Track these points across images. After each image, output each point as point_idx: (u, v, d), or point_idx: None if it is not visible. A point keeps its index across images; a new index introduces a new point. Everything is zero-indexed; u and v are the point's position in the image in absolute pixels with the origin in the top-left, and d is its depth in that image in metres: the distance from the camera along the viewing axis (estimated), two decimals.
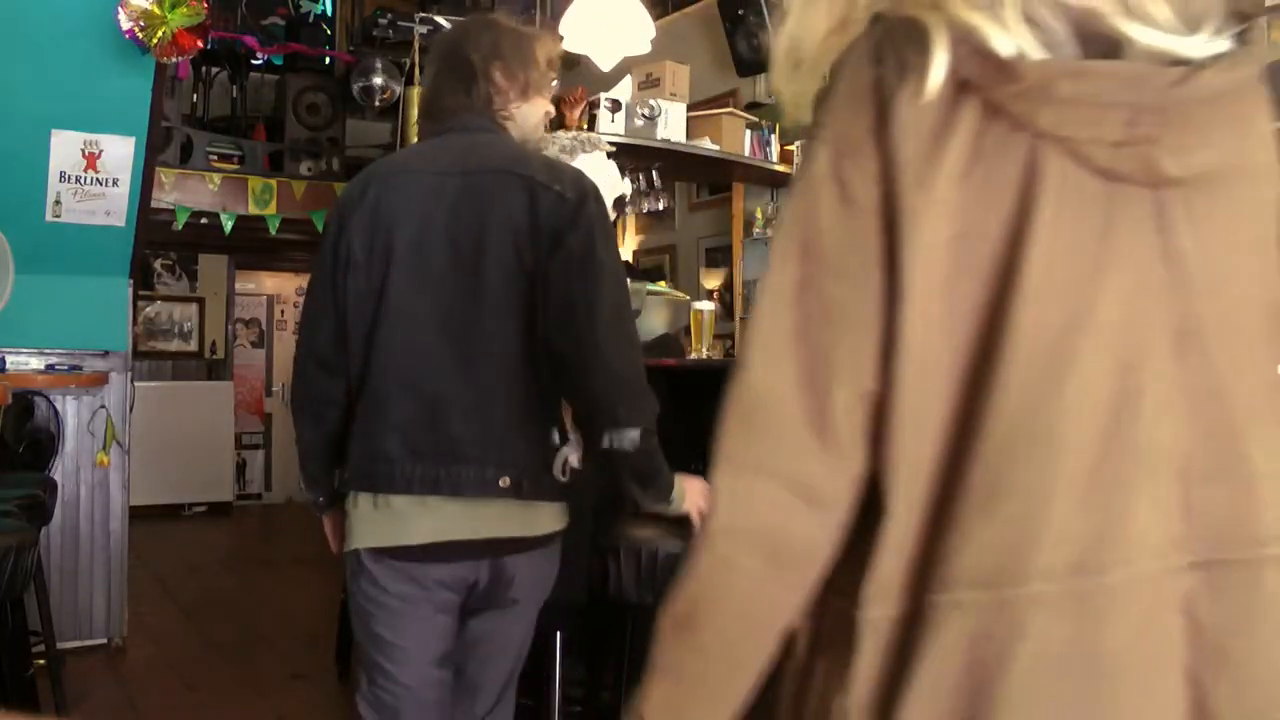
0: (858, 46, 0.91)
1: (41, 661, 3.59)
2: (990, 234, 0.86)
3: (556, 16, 4.57)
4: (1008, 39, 0.85)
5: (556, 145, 3.04)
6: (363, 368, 1.95)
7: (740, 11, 5.71)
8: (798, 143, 5.18)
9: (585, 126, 4.37)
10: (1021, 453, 0.85)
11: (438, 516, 1.91)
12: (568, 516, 2.04)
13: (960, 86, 0.86)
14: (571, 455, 1.96)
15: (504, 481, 1.89)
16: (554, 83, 2.12)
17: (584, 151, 3.05)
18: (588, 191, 1.95)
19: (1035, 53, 0.85)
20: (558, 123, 4.36)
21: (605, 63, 4.42)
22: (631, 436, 1.83)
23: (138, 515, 5.37)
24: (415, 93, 5.29)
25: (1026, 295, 0.85)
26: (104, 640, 4.63)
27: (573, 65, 5.93)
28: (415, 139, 5.28)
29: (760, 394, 0.91)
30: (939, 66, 0.85)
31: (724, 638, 0.96)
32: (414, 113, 5.29)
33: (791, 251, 0.91)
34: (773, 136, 5.17)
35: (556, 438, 1.96)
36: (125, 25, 3.86)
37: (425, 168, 1.97)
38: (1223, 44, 0.87)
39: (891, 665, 0.88)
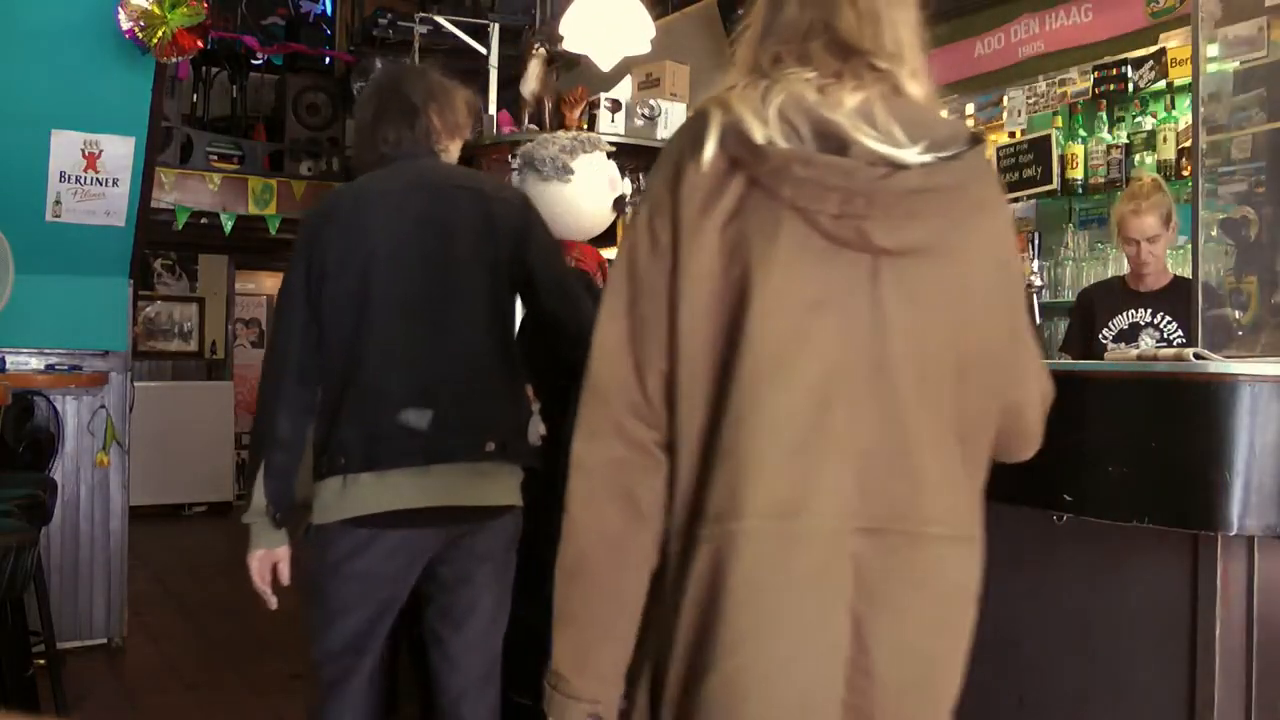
0: (678, 129, 1.30)
1: (41, 661, 3.59)
2: (739, 270, 1.20)
3: (556, 16, 4.57)
4: (762, 130, 1.19)
5: (556, 145, 3.03)
6: (348, 365, 2.14)
7: (740, 11, 5.69)
8: None
9: (585, 126, 4.37)
10: (747, 426, 1.19)
11: (424, 485, 2.11)
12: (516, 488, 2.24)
13: (732, 162, 1.21)
14: (541, 425, 2.24)
15: (490, 446, 2.13)
16: (469, 131, 2.45)
17: (584, 151, 3.05)
18: (526, 198, 2.41)
19: (783, 142, 1.18)
20: (558, 123, 4.37)
21: (605, 63, 4.42)
22: None
23: (138, 515, 5.37)
24: None
25: (757, 315, 1.18)
26: (104, 640, 4.63)
27: (573, 65, 5.93)
28: None
29: (603, 379, 1.25)
30: (711, 145, 1.21)
31: (606, 577, 1.26)
32: None
33: (622, 279, 1.26)
34: None
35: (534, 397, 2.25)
36: (125, 25, 3.86)
37: (390, 189, 2.23)
38: (928, 157, 1.18)
39: (678, 579, 1.23)
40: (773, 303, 1.18)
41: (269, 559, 2.16)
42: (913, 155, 1.18)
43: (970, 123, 4.50)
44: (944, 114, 1.41)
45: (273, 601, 2.19)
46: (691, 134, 1.24)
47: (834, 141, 1.19)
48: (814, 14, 1.28)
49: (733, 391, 1.20)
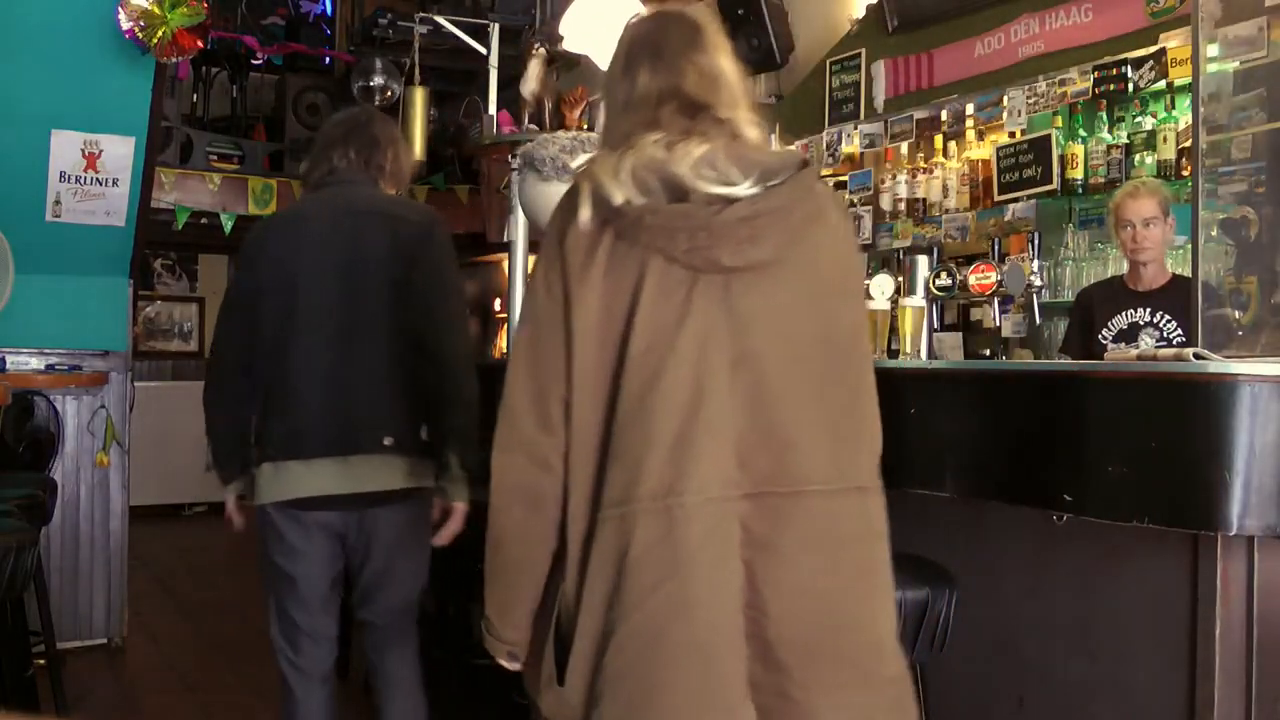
0: (560, 201, 1.63)
1: (41, 661, 3.59)
2: (620, 305, 1.53)
3: (556, 16, 4.57)
4: (620, 192, 1.52)
5: (556, 145, 3.04)
6: (275, 369, 2.53)
7: (740, 11, 5.71)
8: (797, 144, 5.19)
9: (585, 126, 4.37)
10: (633, 426, 1.51)
11: (329, 474, 2.49)
12: (430, 476, 2.56)
13: (602, 221, 1.54)
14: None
15: (388, 440, 2.49)
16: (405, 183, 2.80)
17: (584, 151, 3.05)
18: (434, 222, 2.62)
19: (637, 199, 1.52)
20: (558, 123, 4.37)
21: (605, 63, 4.41)
22: (461, 412, 2.49)
23: (138, 515, 5.36)
24: (416, 93, 5.30)
25: (634, 340, 1.51)
26: (104, 640, 4.63)
27: (573, 65, 5.92)
28: (417, 140, 5.29)
29: (512, 405, 1.60)
30: (584, 210, 1.55)
31: (515, 555, 1.66)
32: (414, 112, 5.30)
33: (526, 322, 1.62)
34: (773, 136, 5.17)
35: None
36: (125, 25, 3.86)
37: (320, 213, 2.61)
38: (756, 189, 1.52)
39: (582, 557, 1.54)
40: (645, 327, 1.51)
41: (230, 502, 2.75)
42: (743, 189, 1.52)
43: (970, 123, 4.50)
44: (776, 147, 1.93)
45: (238, 523, 2.75)
46: (570, 203, 1.59)
47: (679, 190, 1.53)
48: (663, 82, 1.61)
49: (619, 404, 1.53)
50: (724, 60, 1.64)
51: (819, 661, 1.51)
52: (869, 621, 1.56)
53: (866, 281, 3.52)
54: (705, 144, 1.54)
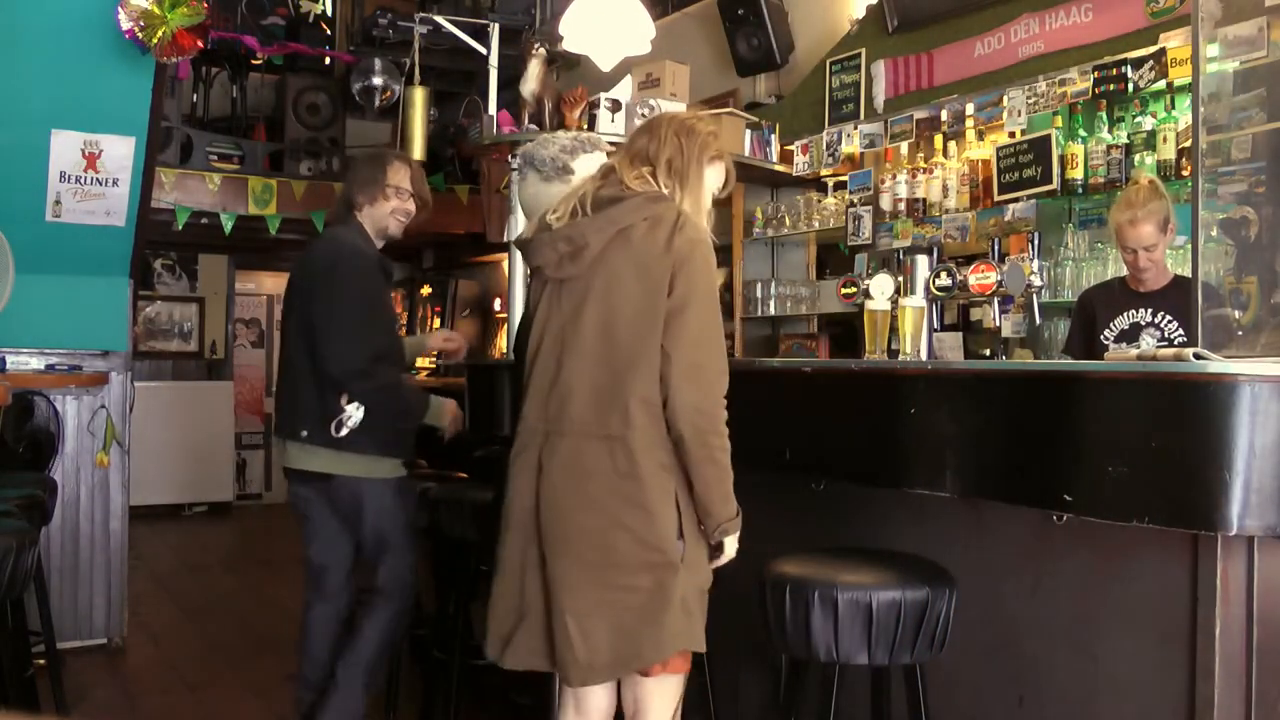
0: None
1: (41, 661, 3.59)
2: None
3: (556, 16, 4.57)
4: (524, 232, 2.44)
5: (556, 145, 3.03)
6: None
7: (740, 11, 5.71)
8: (797, 144, 5.19)
9: (585, 126, 4.37)
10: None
11: (284, 454, 3.27)
12: (355, 465, 3.13)
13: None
14: (350, 420, 3.08)
15: (303, 432, 3.14)
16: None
17: (584, 152, 3.04)
18: (334, 254, 3.22)
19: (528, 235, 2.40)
20: (558, 123, 4.37)
21: (605, 63, 4.42)
22: (354, 406, 3.09)
23: (138, 515, 5.37)
24: (416, 93, 5.29)
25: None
26: (104, 640, 4.64)
27: (573, 65, 5.92)
28: (417, 139, 5.28)
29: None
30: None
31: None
32: (414, 112, 5.29)
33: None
34: (772, 136, 5.17)
35: (343, 406, 3.08)
36: (125, 25, 3.86)
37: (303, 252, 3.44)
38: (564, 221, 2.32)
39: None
40: (523, 317, 2.44)
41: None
42: (557, 221, 2.31)
43: (970, 123, 4.50)
44: (640, 187, 2.28)
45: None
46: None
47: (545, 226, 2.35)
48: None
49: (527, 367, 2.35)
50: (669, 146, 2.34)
51: (564, 555, 2.17)
52: (599, 535, 2.15)
53: (866, 281, 3.53)
54: (590, 186, 2.32)
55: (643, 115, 4.45)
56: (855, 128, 4.93)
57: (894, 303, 3.23)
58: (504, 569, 2.28)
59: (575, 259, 2.23)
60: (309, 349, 3.13)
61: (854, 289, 3.72)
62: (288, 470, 3.26)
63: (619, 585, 2.14)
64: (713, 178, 2.41)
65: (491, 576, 2.33)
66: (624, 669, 2.21)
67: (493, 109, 4.74)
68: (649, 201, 2.25)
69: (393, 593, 3.20)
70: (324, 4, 7.86)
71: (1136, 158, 3.91)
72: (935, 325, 4.03)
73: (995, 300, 3.60)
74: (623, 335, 2.19)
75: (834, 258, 5.57)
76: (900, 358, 3.06)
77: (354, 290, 3.13)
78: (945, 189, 4.57)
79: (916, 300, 3.23)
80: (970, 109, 4.51)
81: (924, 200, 4.65)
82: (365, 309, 3.15)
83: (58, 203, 4.35)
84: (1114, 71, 3.91)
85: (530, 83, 4.47)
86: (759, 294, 5.58)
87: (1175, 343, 3.29)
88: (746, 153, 5.04)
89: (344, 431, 3.07)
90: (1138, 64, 3.85)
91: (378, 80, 6.87)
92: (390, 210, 3.32)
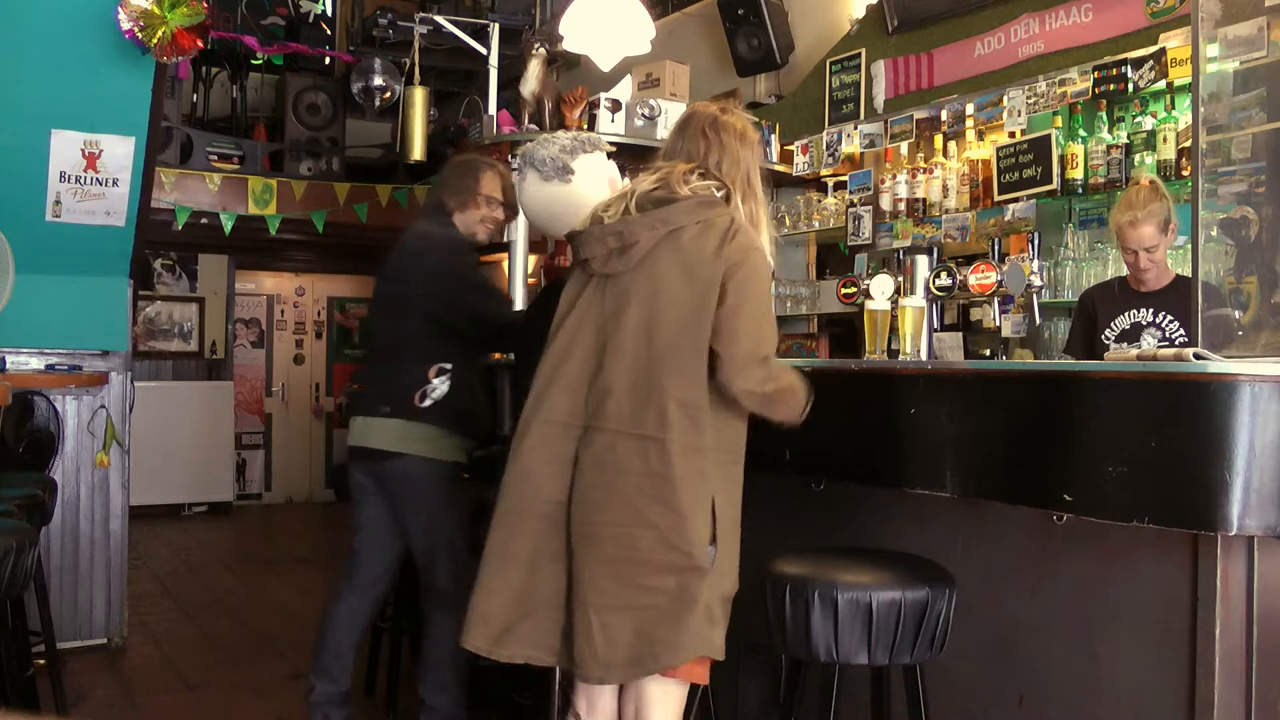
0: None
1: (41, 661, 3.59)
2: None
3: (556, 16, 4.57)
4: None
5: (556, 145, 3.03)
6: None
7: (740, 11, 5.70)
8: (797, 144, 5.19)
9: (585, 126, 4.37)
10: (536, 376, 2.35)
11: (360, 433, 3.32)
12: (424, 441, 3.21)
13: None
14: (434, 391, 3.19)
15: (385, 409, 3.22)
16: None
17: (584, 151, 3.04)
18: (436, 262, 3.30)
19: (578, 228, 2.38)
20: (558, 123, 4.37)
21: (605, 63, 4.42)
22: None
23: (138, 515, 5.37)
24: (416, 93, 5.30)
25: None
26: (104, 640, 4.64)
27: (573, 65, 5.92)
28: (417, 139, 5.28)
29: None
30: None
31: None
32: (414, 112, 5.29)
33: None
34: (773, 136, 5.17)
35: (431, 379, 3.20)
36: (125, 25, 3.86)
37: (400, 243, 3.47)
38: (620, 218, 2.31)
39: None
40: (560, 309, 2.36)
41: None
42: (610, 217, 2.30)
43: (970, 123, 4.50)
44: (688, 190, 2.27)
45: None
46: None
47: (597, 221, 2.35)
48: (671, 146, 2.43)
49: (543, 358, 2.33)
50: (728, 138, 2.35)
51: (590, 550, 2.17)
52: (624, 531, 2.15)
53: (866, 282, 3.52)
54: (642, 186, 2.31)
55: (643, 115, 4.45)
56: (855, 128, 4.93)
57: (894, 303, 3.23)
58: (505, 559, 2.24)
59: (623, 255, 2.23)
60: (399, 331, 3.27)
61: (854, 289, 3.72)
62: (354, 451, 3.29)
63: (640, 584, 2.13)
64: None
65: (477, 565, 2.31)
66: (640, 670, 2.17)
67: (493, 109, 4.74)
68: (702, 205, 2.25)
69: (446, 593, 3.17)
70: (324, 4, 7.86)
71: (1136, 158, 3.91)
72: (935, 325, 4.02)
73: (995, 300, 3.59)
74: (664, 337, 2.19)
75: (834, 258, 5.56)
76: (900, 358, 3.06)
77: (468, 274, 3.39)
78: (945, 189, 4.57)
79: (916, 300, 3.22)
80: (970, 109, 4.51)
81: (924, 200, 4.65)
82: (484, 286, 3.48)
83: (58, 203, 4.35)
84: (1114, 71, 3.91)
85: (530, 83, 4.47)
86: None
87: (1176, 343, 3.29)
88: None
89: (427, 402, 3.16)
90: (1138, 64, 3.85)
91: (378, 80, 6.87)
92: (480, 218, 3.42)
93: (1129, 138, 3.97)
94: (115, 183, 4.39)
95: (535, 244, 4.95)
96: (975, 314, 4.54)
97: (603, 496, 2.17)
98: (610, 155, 3.19)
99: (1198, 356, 1.95)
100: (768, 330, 2.25)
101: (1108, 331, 3.48)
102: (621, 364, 2.20)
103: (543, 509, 2.23)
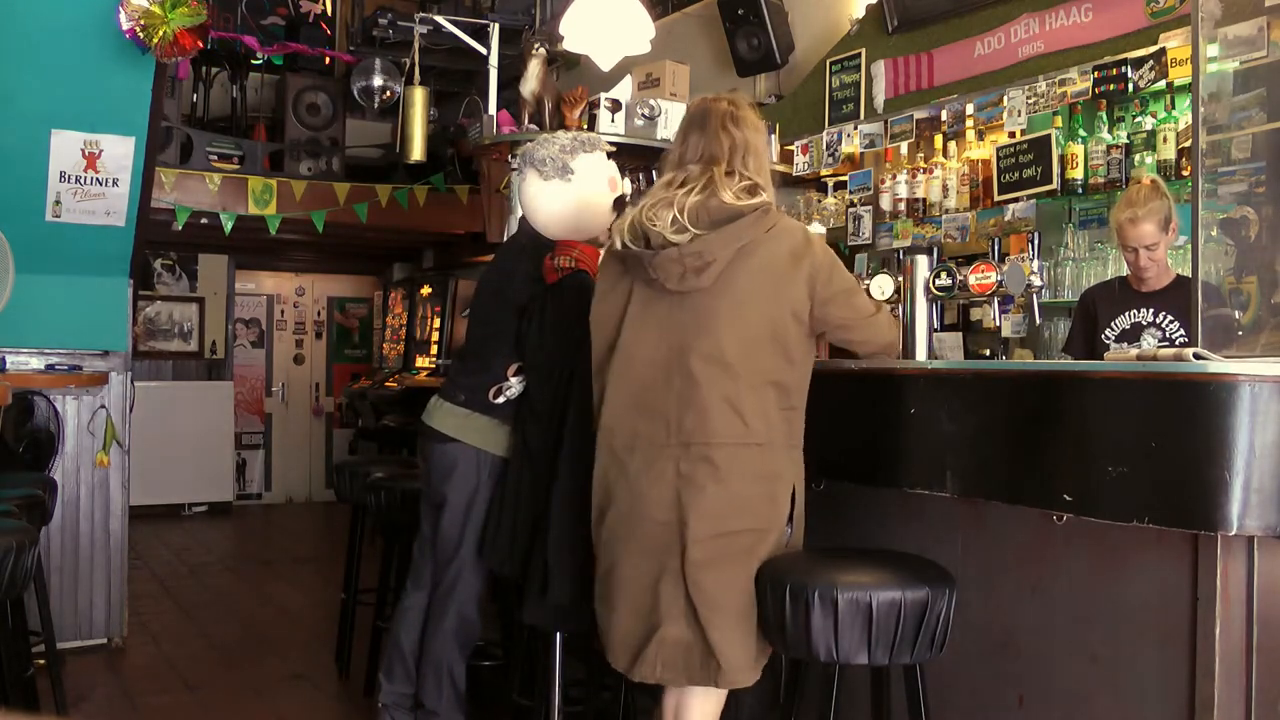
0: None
1: (41, 661, 3.59)
2: (616, 312, 2.44)
3: (556, 16, 4.57)
4: (618, 241, 2.40)
5: (556, 145, 3.03)
6: None
7: (740, 11, 5.70)
8: (797, 144, 5.19)
9: (585, 126, 4.37)
10: (607, 399, 2.43)
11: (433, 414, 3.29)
12: (480, 431, 3.16)
13: (612, 255, 2.48)
14: (509, 389, 3.12)
15: (461, 397, 3.20)
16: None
17: (584, 151, 3.05)
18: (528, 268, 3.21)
19: (631, 245, 2.36)
20: (558, 123, 4.37)
21: (605, 63, 4.41)
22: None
23: (138, 515, 5.37)
24: (416, 93, 5.29)
25: (621, 335, 2.43)
26: (104, 640, 4.63)
27: (573, 65, 5.92)
28: (417, 139, 5.28)
29: None
30: (604, 253, 2.56)
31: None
32: (414, 112, 5.29)
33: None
34: (773, 136, 5.17)
35: (509, 378, 3.12)
36: (125, 25, 3.86)
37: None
38: (686, 237, 2.28)
39: None
40: (622, 326, 2.39)
41: None
42: (681, 237, 2.28)
43: (970, 123, 4.50)
44: (746, 200, 2.31)
45: None
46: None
47: (644, 236, 2.34)
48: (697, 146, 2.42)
49: (606, 379, 2.41)
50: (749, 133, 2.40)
51: (711, 562, 2.24)
52: (749, 535, 2.25)
53: (866, 282, 3.52)
54: (689, 198, 2.31)
55: (643, 115, 4.45)
56: (855, 128, 4.93)
57: (894, 303, 3.23)
58: (625, 584, 2.33)
59: (700, 273, 2.26)
60: (486, 330, 3.30)
61: None
62: (423, 430, 3.33)
63: (731, 532, 2.25)
64: None
65: (594, 589, 2.42)
66: (760, 667, 2.31)
67: (493, 109, 4.74)
68: (763, 215, 2.31)
69: (449, 591, 3.14)
70: (324, 3, 7.86)
71: (1136, 158, 3.91)
72: (935, 325, 4.02)
73: (995, 300, 3.58)
74: (756, 347, 2.27)
75: None
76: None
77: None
78: (945, 189, 4.57)
79: (916, 300, 3.22)
80: (970, 109, 4.51)
81: (924, 200, 4.65)
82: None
83: (58, 203, 4.35)
84: (1114, 71, 3.91)
85: (530, 83, 4.47)
86: None
87: (1177, 342, 3.29)
88: None
89: (501, 399, 3.14)
90: (1138, 64, 3.85)
91: (378, 80, 6.86)
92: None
93: (1129, 138, 3.97)
94: (115, 183, 4.39)
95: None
96: (975, 314, 4.54)
97: (724, 508, 2.24)
98: (610, 155, 3.19)
99: (1198, 356, 1.95)
100: (859, 297, 2.43)
101: (1108, 331, 3.48)
102: (716, 377, 2.25)
103: (649, 528, 2.29)
